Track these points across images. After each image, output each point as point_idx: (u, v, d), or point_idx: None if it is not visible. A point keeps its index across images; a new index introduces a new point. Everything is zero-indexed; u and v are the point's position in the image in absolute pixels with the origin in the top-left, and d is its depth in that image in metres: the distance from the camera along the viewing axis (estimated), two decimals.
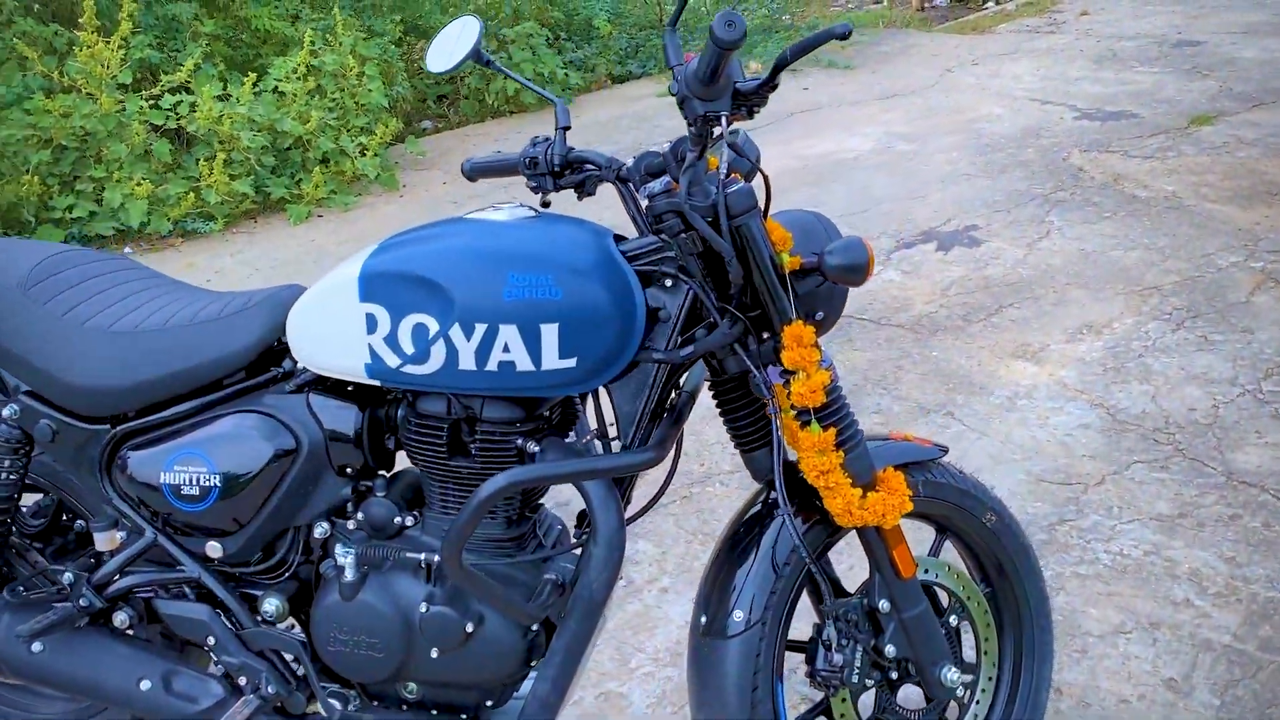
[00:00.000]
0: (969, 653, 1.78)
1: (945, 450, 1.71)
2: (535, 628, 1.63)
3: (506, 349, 1.45)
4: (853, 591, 1.66)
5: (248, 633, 1.69)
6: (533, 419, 1.58)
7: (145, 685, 1.66)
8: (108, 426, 1.65)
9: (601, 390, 1.58)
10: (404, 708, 1.69)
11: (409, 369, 1.49)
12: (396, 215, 5.20)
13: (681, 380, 1.69)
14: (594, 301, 1.44)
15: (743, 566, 1.57)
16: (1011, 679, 1.80)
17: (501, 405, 1.56)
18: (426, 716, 1.68)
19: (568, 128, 1.65)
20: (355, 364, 1.52)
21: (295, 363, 1.61)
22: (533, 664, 1.65)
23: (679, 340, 1.53)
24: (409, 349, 1.48)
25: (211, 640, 1.68)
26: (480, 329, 1.45)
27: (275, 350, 1.64)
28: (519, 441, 1.56)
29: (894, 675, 1.65)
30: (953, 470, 1.72)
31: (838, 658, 1.55)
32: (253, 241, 5.00)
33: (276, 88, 5.46)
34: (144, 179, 4.84)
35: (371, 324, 1.49)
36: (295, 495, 1.63)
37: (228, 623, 1.70)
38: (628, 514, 1.68)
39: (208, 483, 1.61)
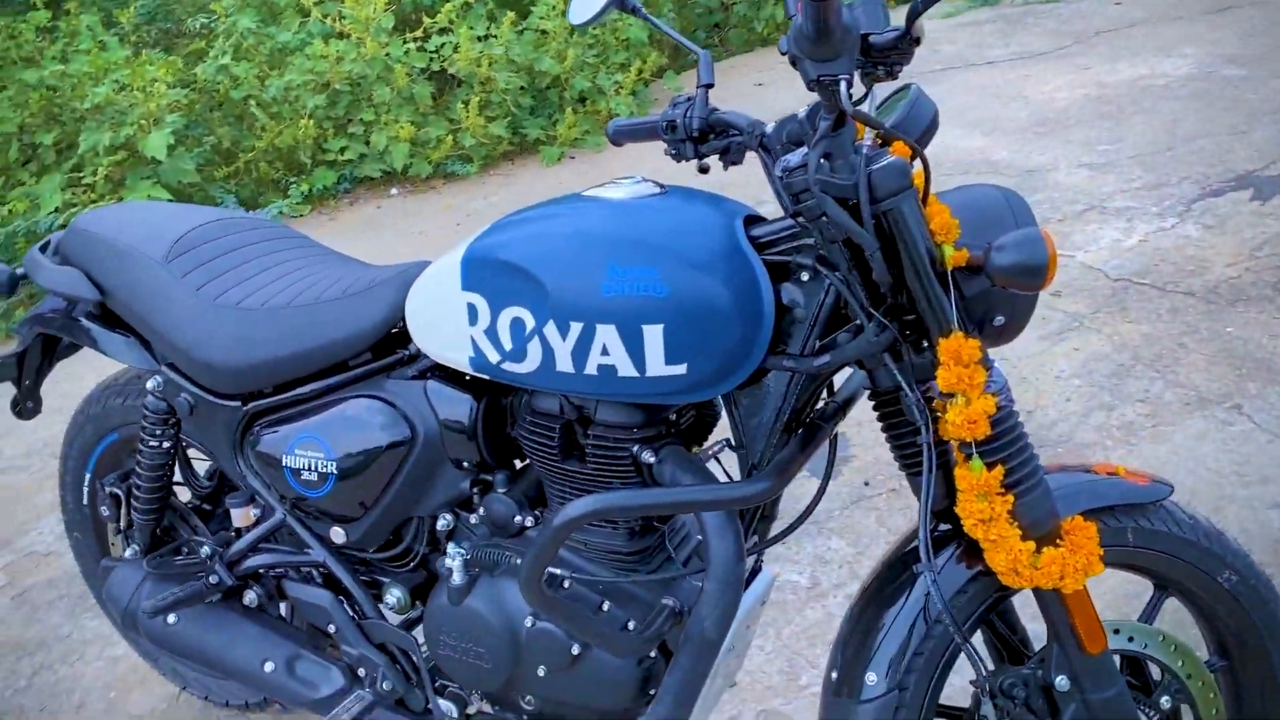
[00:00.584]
0: None
1: (1169, 489, 1.35)
2: (653, 654, 1.46)
3: (605, 351, 1.27)
4: (1031, 652, 1.37)
5: (369, 623, 1.63)
6: (653, 424, 1.39)
7: (269, 667, 1.64)
8: (239, 403, 1.63)
9: None
10: (522, 717, 1.58)
11: (508, 366, 1.34)
12: (648, 156, 5.08)
13: (834, 386, 1.44)
14: (708, 299, 1.22)
15: (885, 617, 1.31)
16: None
17: (618, 408, 1.38)
18: None
19: (710, 85, 1.41)
20: (461, 356, 1.39)
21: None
22: (651, 692, 1.49)
23: (816, 345, 1.28)
24: (507, 344, 1.33)
25: (333, 628, 1.64)
26: (576, 328, 1.27)
27: (404, 331, 1.53)
28: (634, 449, 1.38)
29: None
30: (1180, 514, 1.36)
31: None
32: (507, 184, 5.05)
33: (539, 26, 5.45)
34: (407, 122, 4.99)
35: (473, 314, 1.35)
36: (413, 485, 1.54)
37: (350, 611, 1.65)
38: (776, 531, 1.47)
39: (325, 469, 1.55)
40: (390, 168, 5.04)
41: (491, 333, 1.34)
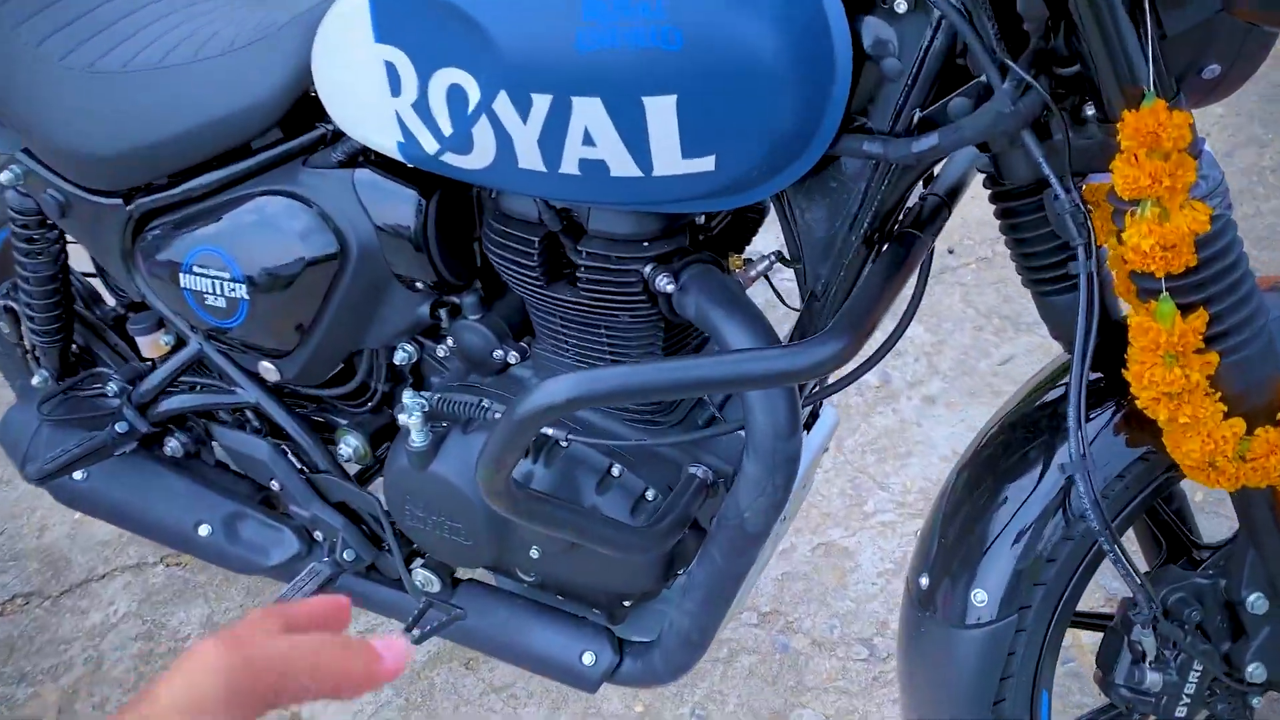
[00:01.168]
0: None
1: None
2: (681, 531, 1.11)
3: (589, 139, 0.83)
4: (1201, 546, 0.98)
5: (322, 479, 1.28)
6: (671, 233, 0.97)
7: (204, 530, 1.32)
8: (120, 201, 1.21)
9: None
10: (523, 585, 1.26)
11: (452, 158, 0.91)
12: None
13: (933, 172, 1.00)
14: (744, 49, 0.78)
15: (1000, 511, 0.92)
16: None
17: (619, 213, 0.96)
18: (550, 601, 1.25)
19: None
20: (387, 140, 0.96)
21: None
22: (679, 572, 1.15)
23: (916, 117, 0.82)
24: (446, 126, 0.89)
25: (276, 484, 1.30)
26: (541, 102, 0.83)
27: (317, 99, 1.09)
28: (645, 270, 0.96)
29: (1257, 701, 0.98)
30: None
31: (1154, 677, 0.91)
32: None
33: None
34: None
35: (394, 80, 0.91)
36: (351, 312, 1.15)
37: (296, 462, 1.30)
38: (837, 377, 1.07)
39: (233, 293, 1.15)
40: None
41: (422, 108, 0.90)
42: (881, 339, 1.03)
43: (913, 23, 0.79)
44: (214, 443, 1.36)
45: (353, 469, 1.30)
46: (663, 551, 1.05)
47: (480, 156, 0.89)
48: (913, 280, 0.98)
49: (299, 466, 1.30)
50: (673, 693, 1.45)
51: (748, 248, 1.12)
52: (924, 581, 0.96)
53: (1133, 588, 0.83)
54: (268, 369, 1.23)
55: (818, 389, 1.11)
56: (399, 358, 1.18)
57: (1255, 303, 0.79)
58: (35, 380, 1.45)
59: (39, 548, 1.86)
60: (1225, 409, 0.79)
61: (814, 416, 1.20)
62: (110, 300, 1.48)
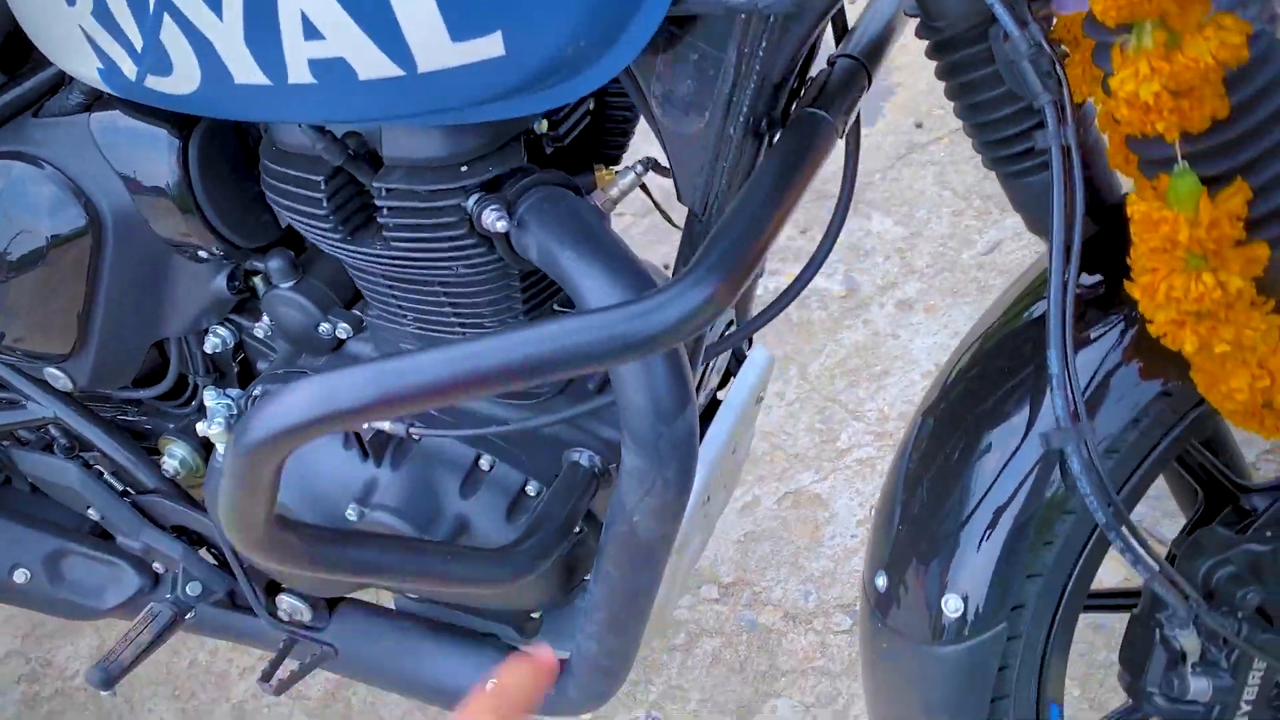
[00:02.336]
0: None
1: None
2: (578, 528, 0.86)
3: (313, 29, 0.57)
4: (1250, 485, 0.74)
5: (149, 502, 1.04)
6: (496, 150, 0.71)
7: (20, 576, 1.08)
8: None
9: None
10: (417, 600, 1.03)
11: (155, 83, 0.65)
12: None
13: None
14: None
15: (977, 480, 0.67)
16: None
17: (428, 131, 0.70)
18: (446, 617, 1.02)
19: None
20: (87, 67, 0.70)
21: None
22: (585, 578, 0.91)
23: None
24: (135, 39, 0.63)
25: (95, 513, 1.06)
26: None
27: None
28: (468, 204, 0.70)
29: None
30: None
31: (1201, 684, 0.66)
32: None
33: None
34: None
35: None
36: (132, 297, 0.90)
37: (115, 483, 1.06)
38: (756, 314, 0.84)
39: None
40: None
41: (104, 15, 0.63)
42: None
43: None
44: (23, 475, 1.12)
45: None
46: (541, 570, 0.80)
47: (184, 76, 0.63)
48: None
49: (121, 489, 1.05)
50: (625, 692, 1.22)
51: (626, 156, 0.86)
52: (880, 582, 0.71)
53: (1159, 586, 0.59)
54: (55, 375, 0.98)
55: (733, 324, 0.86)
56: (210, 345, 0.92)
57: None
58: None
59: None
60: (1272, 324, 0.54)
61: (737, 361, 0.95)
62: None
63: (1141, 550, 0.55)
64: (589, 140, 0.81)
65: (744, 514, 1.35)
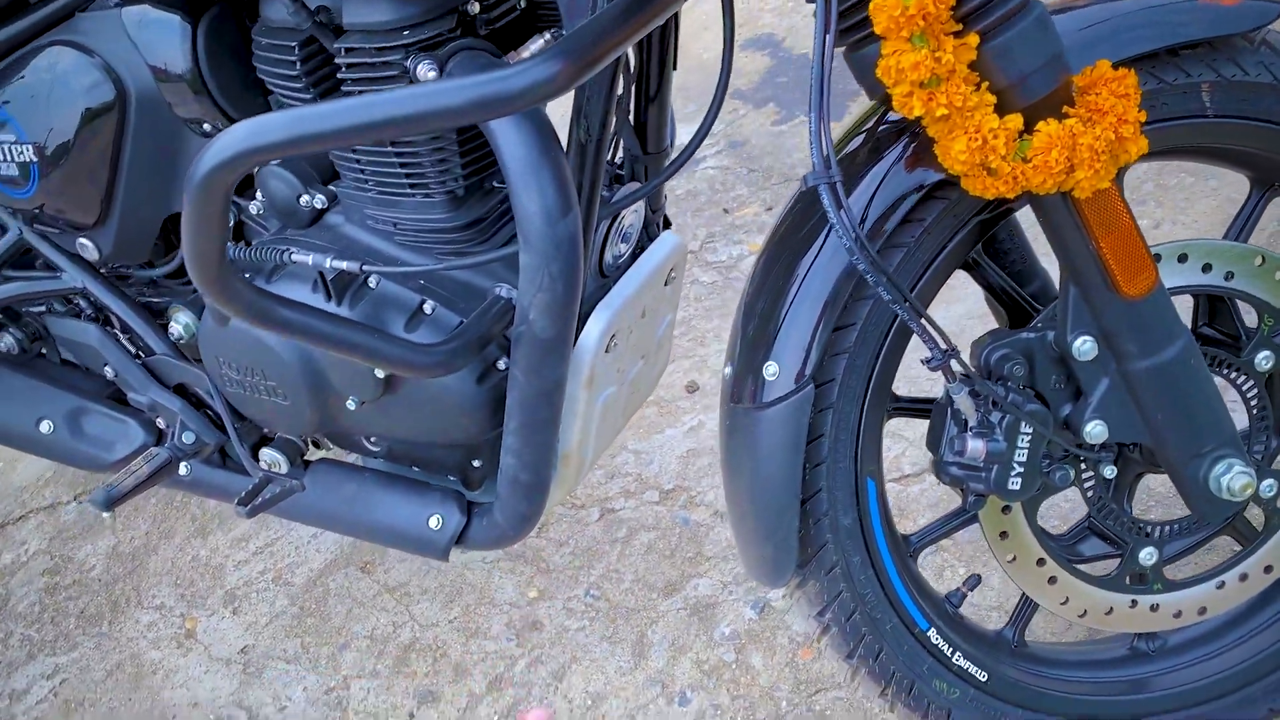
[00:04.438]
0: None
1: (1276, 9, 0.79)
2: (501, 364, 1.02)
3: None
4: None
5: (155, 361, 1.22)
6: (433, 18, 0.89)
7: (46, 427, 1.26)
8: None
9: None
10: (372, 456, 1.18)
11: None
12: None
13: None
14: None
15: (791, 282, 0.82)
16: None
17: (378, 1, 0.88)
18: (400, 473, 1.17)
19: None
20: None
21: None
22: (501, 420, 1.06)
23: None
24: None
25: (110, 370, 1.23)
26: None
27: None
28: (408, 63, 0.87)
29: (1109, 470, 0.87)
30: None
31: (976, 444, 0.79)
32: None
33: None
34: None
35: None
36: (149, 168, 1.08)
37: (129, 346, 1.24)
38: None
39: (21, 157, 1.09)
40: None
41: None
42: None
43: None
44: (55, 339, 1.30)
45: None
46: (454, 369, 0.96)
47: None
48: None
49: (134, 351, 1.23)
50: (568, 575, 1.36)
51: None
52: (727, 371, 0.86)
53: (916, 331, 0.73)
54: (85, 246, 1.17)
55: (631, 185, 1.02)
56: None
57: None
58: None
59: None
60: (995, 101, 0.69)
61: (650, 239, 1.11)
62: None
63: (889, 280, 0.70)
64: (516, 30, 0.99)
65: (689, 435, 1.49)
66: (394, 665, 1.34)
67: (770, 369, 0.81)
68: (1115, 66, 0.70)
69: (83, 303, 1.25)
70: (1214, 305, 0.88)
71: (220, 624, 1.47)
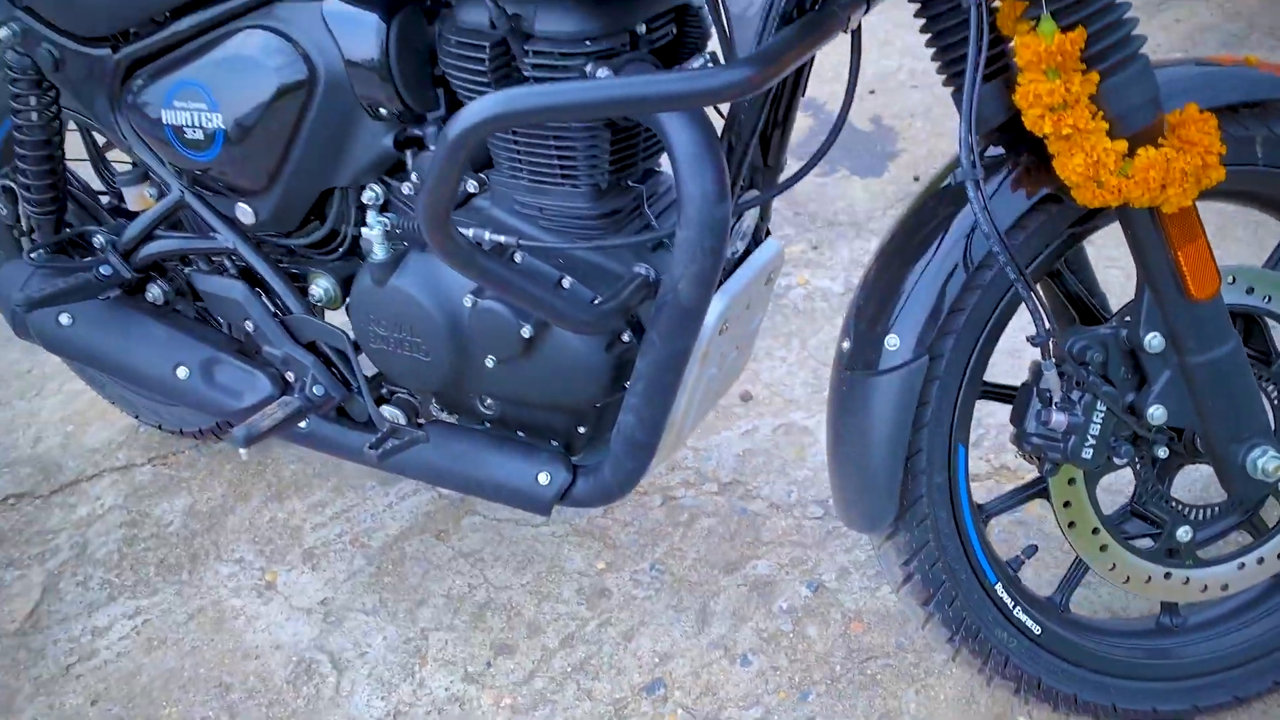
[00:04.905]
0: None
1: None
2: (626, 338, 1.17)
3: None
4: (1110, 317, 1.04)
5: (293, 319, 1.35)
6: (611, 34, 1.04)
7: (182, 372, 1.38)
8: (109, 50, 1.30)
9: None
10: (484, 424, 1.32)
11: None
12: None
13: None
14: None
15: (914, 268, 0.98)
16: None
17: (564, 13, 1.04)
18: (512, 438, 1.30)
19: None
20: None
21: None
22: (624, 385, 1.20)
23: None
24: None
25: (250, 325, 1.36)
26: None
27: None
28: (587, 67, 1.03)
29: (1162, 451, 1.03)
30: None
31: (1059, 418, 0.95)
32: None
33: None
34: None
35: None
36: (321, 143, 1.22)
37: (270, 305, 1.37)
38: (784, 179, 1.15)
39: (210, 124, 1.23)
40: None
41: None
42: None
43: None
44: (192, 294, 1.43)
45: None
46: (605, 331, 1.11)
47: None
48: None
49: (271, 309, 1.36)
50: (634, 551, 1.50)
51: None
52: (846, 345, 1.02)
53: (1034, 314, 0.89)
54: (244, 210, 1.31)
55: (756, 191, 1.17)
56: (368, 196, 1.24)
57: (1130, 29, 0.86)
58: (32, 256, 1.53)
59: (32, 455, 1.93)
60: (1106, 127, 0.86)
61: (755, 243, 1.26)
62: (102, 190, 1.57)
63: (1013, 263, 0.86)
64: (671, 50, 1.15)
65: (744, 438, 1.64)
66: (470, 621, 1.46)
67: (892, 340, 0.96)
68: (1207, 110, 0.87)
69: (227, 262, 1.39)
70: (1249, 325, 1.05)
71: (299, 578, 1.57)
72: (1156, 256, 0.92)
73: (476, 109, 0.90)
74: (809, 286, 1.91)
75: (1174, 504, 1.07)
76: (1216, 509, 1.09)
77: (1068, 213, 0.95)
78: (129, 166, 1.47)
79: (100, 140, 1.63)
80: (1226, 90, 0.94)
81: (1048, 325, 0.91)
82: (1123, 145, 0.86)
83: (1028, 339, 0.92)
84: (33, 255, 1.45)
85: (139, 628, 1.55)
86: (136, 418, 1.87)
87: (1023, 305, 0.97)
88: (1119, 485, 1.11)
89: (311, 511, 1.68)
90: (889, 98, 2.22)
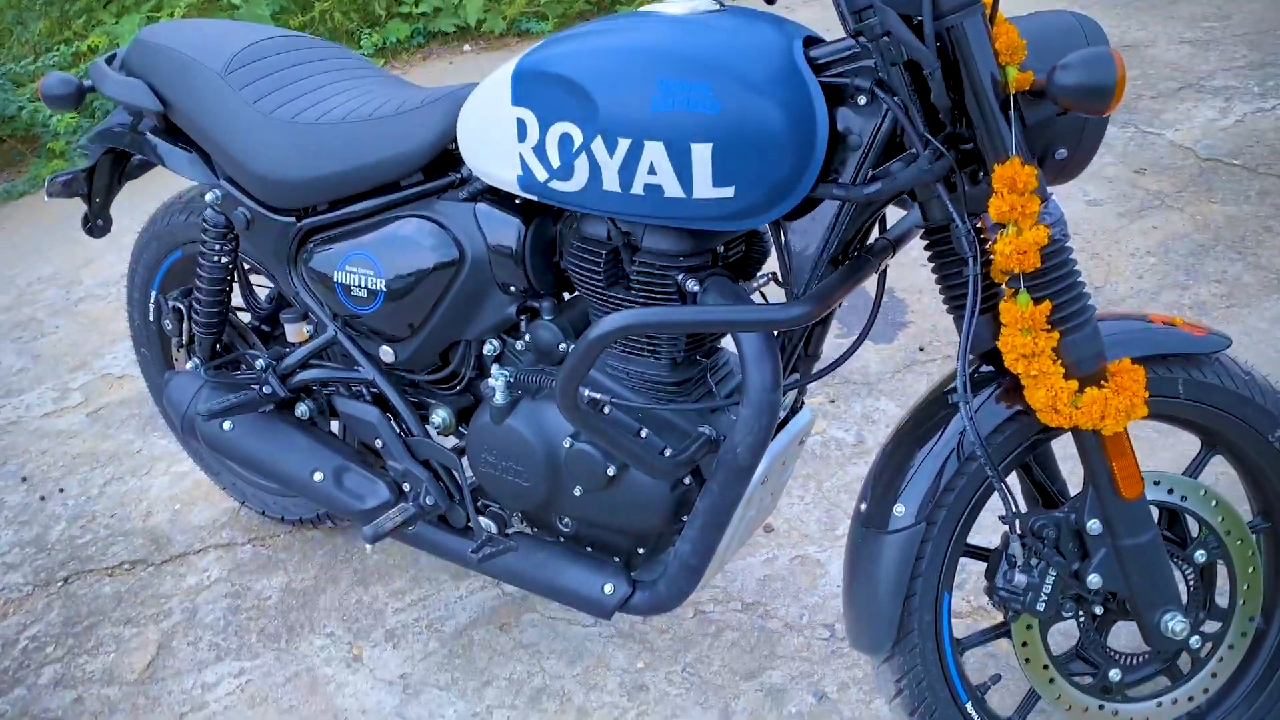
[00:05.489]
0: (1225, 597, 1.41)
1: (1227, 342, 1.31)
2: (687, 481, 1.48)
3: (652, 170, 1.25)
4: (1065, 503, 1.36)
5: (415, 441, 1.67)
6: (699, 253, 1.38)
7: (318, 476, 1.70)
8: (294, 219, 1.65)
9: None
10: (559, 539, 1.62)
11: (555, 184, 1.33)
12: None
13: (887, 223, 1.41)
14: (759, 119, 1.19)
15: (919, 453, 1.31)
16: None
17: (664, 235, 1.37)
18: (580, 550, 1.60)
19: None
20: (509, 174, 1.38)
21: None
22: (683, 518, 1.51)
23: (869, 174, 1.24)
24: (555, 161, 1.31)
25: (380, 443, 1.68)
26: (624, 144, 1.25)
27: (455, 152, 1.52)
28: (679, 277, 1.37)
29: (1099, 609, 1.34)
30: (1236, 369, 1.32)
31: (1020, 578, 1.26)
32: None
33: None
34: None
35: (521, 130, 1.33)
36: (460, 308, 1.55)
37: (396, 427, 1.69)
38: (820, 367, 1.48)
39: (375, 286, 1.57)
40: (464, 23, 4.97)
41: (540, 149, 1.32)
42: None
43: (869, 112, 1.23)
44: (330, 411, 1.75)
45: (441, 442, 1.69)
46: (674, 478, 1.42)
47: (577, 183, 1.31)
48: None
49: (397, 431, 1.68)
50: (669, 654, 1.78)
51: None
52: (863, 507, 1.34)
53: (1005, 502, 1.21)
54: (387, 352, 1.64)
55: (800, 377, 1.50)
56: (487, 349, 1.58)
57: (1084, 303, 1.20)
58: (189, 366, 1.86)
59: (145, 528, 2.23)
60: (1063, 371, 1.18)
61: (794, 413, 1.59)
62: (255, 314, 1.91)
63: (990, 463, 1.18)
64: (740, 263, 1.49)
65: (765, 564, 1.94)
66: (528, 702, 1.74)
67: (899, 508, 1.28)
68: (1133, 362, 1.20)
69: (365, 390, 1.72)
70: (1172, 516, 1.37)
71: (382, 654, 1.86)
72: (1097, 465, 1.24)
73: (611, 321, 1.24)
74: (825, 435, 2.23)
75: (1108, 651, 1.37)
76: (1142, 657, 1.39)
77: (1035, 424, 1.27)
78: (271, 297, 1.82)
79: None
80: (1156, 345, 1.27)
81: (1014, 508, 1.23)
82: (1074, 385, 1.18)
83: (999, 517, 1.24)
84: (206, 370, 1.77)
85: (243, 686, 1.83)
86: (242, 503, 2.18)
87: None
88: (1071, 630, 1.40)
89: (393, 597, 1.97)
90: (901, 272, 2.57)
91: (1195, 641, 1.36)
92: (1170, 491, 1.33)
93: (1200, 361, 1.30)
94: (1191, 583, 1.37)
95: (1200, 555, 1.35)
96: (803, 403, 1.60)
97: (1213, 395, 1.31)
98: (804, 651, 1.77)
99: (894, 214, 1.39)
